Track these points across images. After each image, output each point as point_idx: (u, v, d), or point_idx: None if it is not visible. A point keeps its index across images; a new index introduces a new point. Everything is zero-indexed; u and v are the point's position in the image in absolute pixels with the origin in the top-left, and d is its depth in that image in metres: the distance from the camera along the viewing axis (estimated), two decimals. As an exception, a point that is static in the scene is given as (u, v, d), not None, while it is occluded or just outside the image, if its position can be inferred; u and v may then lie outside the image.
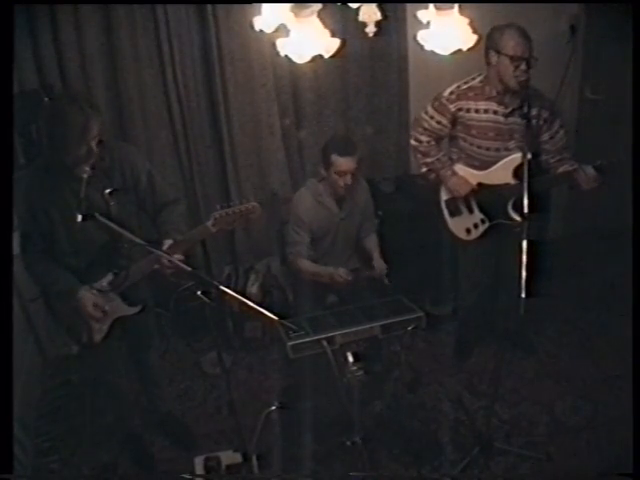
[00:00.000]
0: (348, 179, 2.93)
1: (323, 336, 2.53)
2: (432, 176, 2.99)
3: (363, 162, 3.06)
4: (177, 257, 2.26)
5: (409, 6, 3.28)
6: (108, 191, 2.25)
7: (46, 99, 2.94)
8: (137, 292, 2.48)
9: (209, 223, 2.24)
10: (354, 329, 2.58)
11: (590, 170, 2.55)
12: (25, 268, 2.40)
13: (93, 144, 2.16)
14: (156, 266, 2.30)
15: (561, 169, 2.76)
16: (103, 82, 3.29)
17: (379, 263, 3.09)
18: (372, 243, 3.22)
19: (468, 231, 2.97)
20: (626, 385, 2.13)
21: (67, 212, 2.20)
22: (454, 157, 2.95)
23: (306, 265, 3.03)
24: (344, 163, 2.89)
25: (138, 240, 2.11)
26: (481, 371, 3.27)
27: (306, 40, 1.52)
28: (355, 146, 2.95)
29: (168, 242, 2.35)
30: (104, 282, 2.37)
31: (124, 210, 2.35)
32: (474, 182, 2.87)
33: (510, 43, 2.56)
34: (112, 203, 2.27)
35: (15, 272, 2.35)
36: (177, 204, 2.56)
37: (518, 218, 2.68)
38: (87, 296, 2.35)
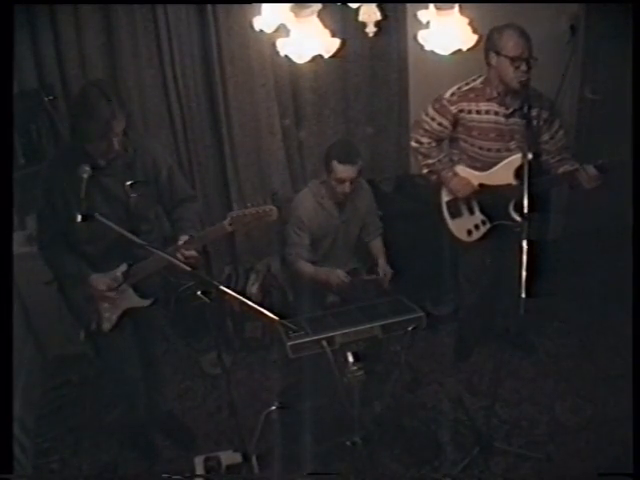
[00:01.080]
0: (346, 187, 2.93)
1: (323, 336, 2.52)
2: (433, 177, 2.98)
3: (364, 169, 3.05)
4: (191, 253, 2.28)
5: (409, 6, 3.28)
6: (129, 183, 2.26)
7: (46, 99, 2.94)
8: (148, 285, 2.46)
9: (226, 222, 2.25)
10: (354, 329, 2.57)
11: (592, 169, 2.55)
12: (40, 252, 2.41)
13: (115, 141, 2.17)
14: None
15: (561, 169, 2.75)
16: (103, 82, 3.30)
17: (385, 268, 3.09)
18: (378, 247, 3.23)
19: (469, 232, 2.96)
20: (626, 385, 2.12)
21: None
22: (455, 158, 2.95)
23: (305, 267, 3.03)
24: (344, 171, 2.89)
25: (139, 240, 2.11)
26: (481, 371, 3.27)
27: (306, 40, 1.52)
28: (357, 154, 2.94)
29: (184, 237, 2.35)
30: (118, 272, 2.36)
31: (144, 202, 2.36)
32: (475, 183, 2.87)
33: (509, 44, 2.56)
34: (133, 195, 2.28)
35: (16, 271, 2.36)
36: (193, 201, 2.57)
37: (519, 219, 2.67)
38: (100, 279, 2.35)
